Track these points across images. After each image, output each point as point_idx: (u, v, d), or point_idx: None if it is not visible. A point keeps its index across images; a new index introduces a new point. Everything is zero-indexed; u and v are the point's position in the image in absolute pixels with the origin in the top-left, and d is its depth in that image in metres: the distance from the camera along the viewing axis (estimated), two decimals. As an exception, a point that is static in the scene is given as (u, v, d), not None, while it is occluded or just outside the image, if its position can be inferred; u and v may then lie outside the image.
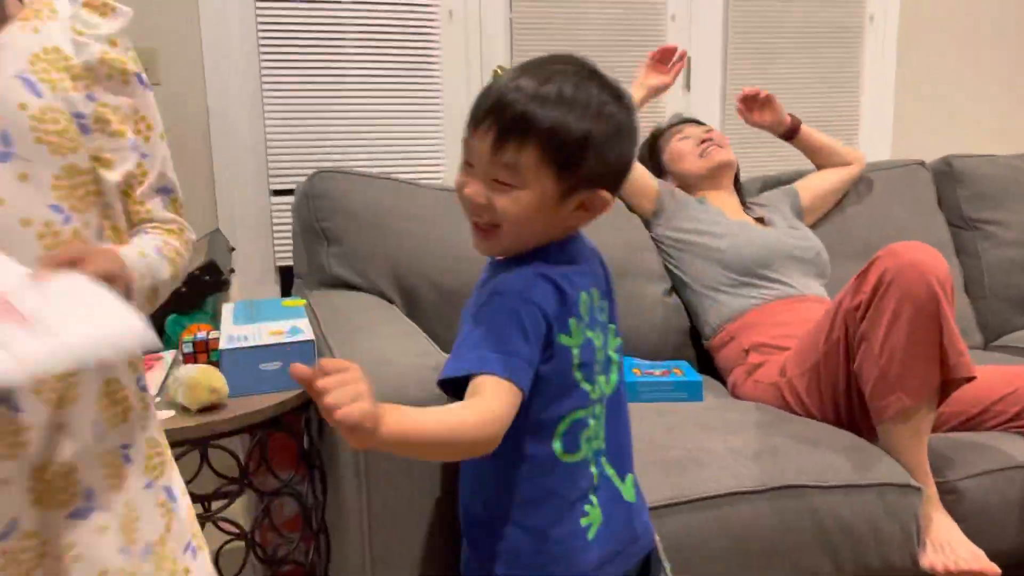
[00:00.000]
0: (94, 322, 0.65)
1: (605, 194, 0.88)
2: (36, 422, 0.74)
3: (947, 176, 2.18)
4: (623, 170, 0.90)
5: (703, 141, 1.89)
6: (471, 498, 0.95)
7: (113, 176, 0.82)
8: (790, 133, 1.95)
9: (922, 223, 2.10)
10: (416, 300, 1.64)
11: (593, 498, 0.91)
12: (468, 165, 0.88)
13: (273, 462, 1.39)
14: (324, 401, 0.66)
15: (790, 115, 1.94)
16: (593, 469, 0.91)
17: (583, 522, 0.90)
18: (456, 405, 0.80)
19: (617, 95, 0.87)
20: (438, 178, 2.11)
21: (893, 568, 1.28)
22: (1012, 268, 2.10)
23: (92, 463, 0.78)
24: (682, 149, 1.91)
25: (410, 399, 1.05)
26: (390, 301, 1.60)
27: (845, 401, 1.45)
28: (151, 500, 0.83)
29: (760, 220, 1.86)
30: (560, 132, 0.83)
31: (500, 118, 0.83)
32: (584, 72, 0.86)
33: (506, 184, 0.85)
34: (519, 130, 0.82)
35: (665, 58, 1.91)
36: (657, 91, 1.92)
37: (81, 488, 0.77)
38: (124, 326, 0.66)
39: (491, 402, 0.80)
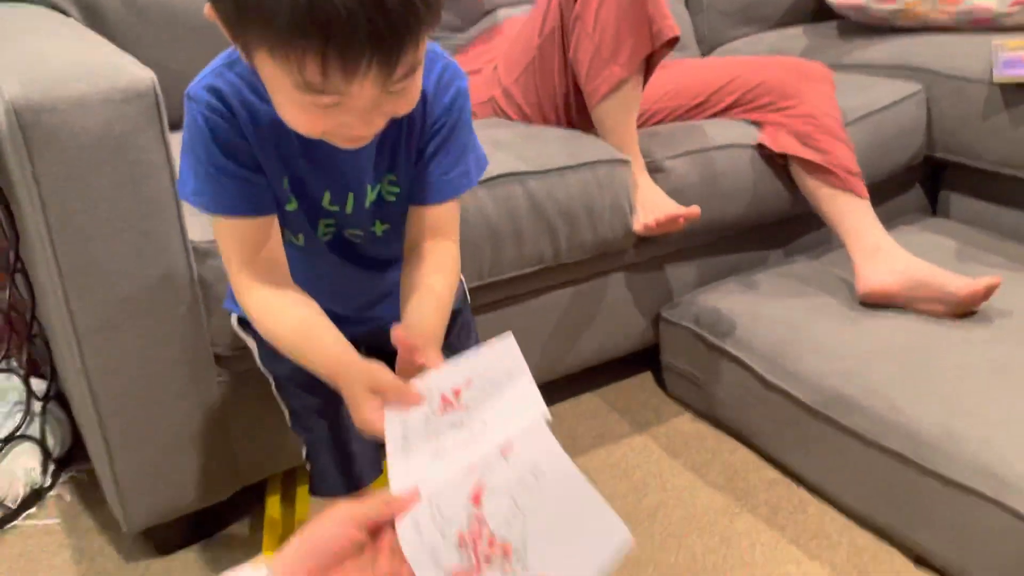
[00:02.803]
0: (575, 540, 0.57)
1: None
2: None
3: None
4: None
5: None
6: None
7: None
8: None
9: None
10: (98, 13, 1.42)
11: None
12: (328, 96, 0.65)
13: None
14: None
15: None
16: None
17: None
18: None
19: None
20: None
21: (606, 240, 1.38)
22: (729, -19, 2.17)
23: None
24: None
25: (70, 93, 0.92)
26: (65, 14, 1.38)
27: (563, 100, 1.47)
28: None
29: None
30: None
31: (380, 41, 0.61)
32: None
33: (405, 79, 0.67)
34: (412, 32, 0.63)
35: None
36: None
37: None
38: (605, 534, 0.57)
39: None
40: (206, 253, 1.06)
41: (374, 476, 0.97)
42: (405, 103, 0.70)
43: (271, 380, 0.97)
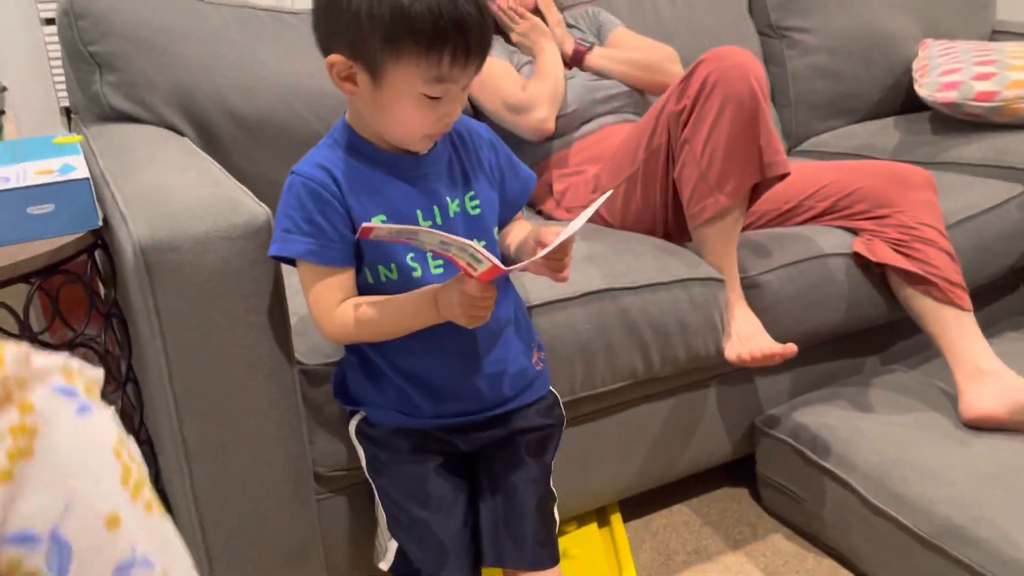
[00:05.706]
0: None
1: None
2: None
3: (753, -16, 2.19)
4: None
5: None
6: None
7: None
8: (575, 62, 1.78)
9: (734, 33, 2.11)
10: (211, 132, 1.50)
11: None
12: (433, 99, 0.90)
13: (66, 315, 1.29)
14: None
15: (579, 42, 1.78)
16: None
17: None
18: None
19: None
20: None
21: (699, 357, 1.36)
22: (815, 74, 2.17)
23: None
24: None
25: (193, 233, 0.98)
26: (181, 134, 1.46)
27: (662, 212, 1.48)
28: None
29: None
30: None
31: (481, 42, 0.89)
32: None
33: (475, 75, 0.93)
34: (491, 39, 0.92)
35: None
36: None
37: None
38: None
39: None
40: (314, 376, 1.10)
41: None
42: (464, 102, 0.95)
43: (375, 490, 1.06)
